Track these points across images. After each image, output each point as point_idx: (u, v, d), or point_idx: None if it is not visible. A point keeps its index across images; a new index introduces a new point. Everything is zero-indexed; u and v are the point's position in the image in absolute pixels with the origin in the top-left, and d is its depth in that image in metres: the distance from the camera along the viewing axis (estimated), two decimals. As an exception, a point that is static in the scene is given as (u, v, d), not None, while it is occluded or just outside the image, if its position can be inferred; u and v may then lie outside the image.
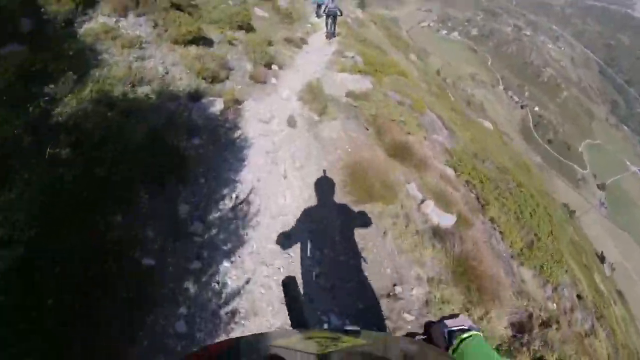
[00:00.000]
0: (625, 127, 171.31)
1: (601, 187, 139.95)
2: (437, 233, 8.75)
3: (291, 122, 10.86)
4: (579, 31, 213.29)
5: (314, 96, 12.09)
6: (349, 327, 1.72)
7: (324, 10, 21.02)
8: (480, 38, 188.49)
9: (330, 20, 21.28)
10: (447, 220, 9.30)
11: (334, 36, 21.96)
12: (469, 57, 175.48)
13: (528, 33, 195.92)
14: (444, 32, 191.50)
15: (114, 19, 10.58)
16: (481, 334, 1.85)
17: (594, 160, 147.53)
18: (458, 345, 1.81)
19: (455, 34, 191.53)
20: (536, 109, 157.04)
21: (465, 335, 1.83)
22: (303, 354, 1.26)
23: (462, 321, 1.94)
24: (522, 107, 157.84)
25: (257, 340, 1.74)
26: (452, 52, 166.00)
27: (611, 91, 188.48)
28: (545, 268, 10.51)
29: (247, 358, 1.48)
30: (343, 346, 1.42)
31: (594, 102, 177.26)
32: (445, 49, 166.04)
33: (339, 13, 21.33)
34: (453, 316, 1.98)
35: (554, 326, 8.26)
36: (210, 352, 1.57)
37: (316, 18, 24.86)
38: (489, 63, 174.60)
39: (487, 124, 32.55)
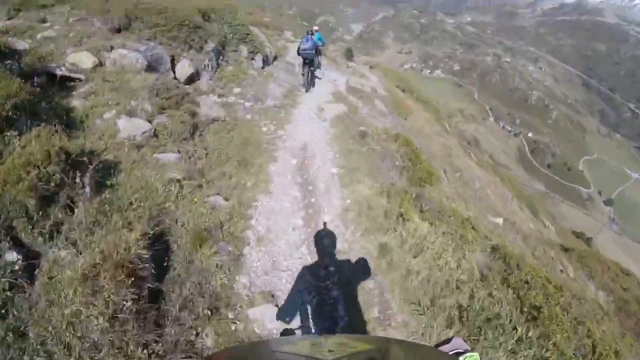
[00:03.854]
0: (618, 135, 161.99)
1: (608, 202, 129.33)
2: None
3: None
4: (555, 48, 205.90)
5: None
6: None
7: (298, 52, 15.20)
8: (463, 72, 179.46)
9: (306, 69, 15.58)
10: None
11: (312, 86, 16.49)
12: (455, 92, 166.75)
13: (508, 59, 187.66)
14: (427, 71, 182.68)
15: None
16: (477, 354, 1.72)
17: (595, 176, 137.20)
18: None
19: (438, 71, 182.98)
20: (530, 134, 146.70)
21: (468, 355, 1.72)
22: None
23: (460, 344, 1.86)
24: (515, 135, 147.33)
25: (264, 346, 1.70)
26: (438, 90, 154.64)
27: (597, 101, 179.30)
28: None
29: None
30: (351, 351, 1.34)
31: (583, 116, 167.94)
32: (431, 88, 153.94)
33: (315, 59, 16.07)
34: (448, 340, 1.88)
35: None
36: (222, 357, 1.55)
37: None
38: (476, 95, 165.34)
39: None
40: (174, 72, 10.99)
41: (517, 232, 14.38)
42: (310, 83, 16.29)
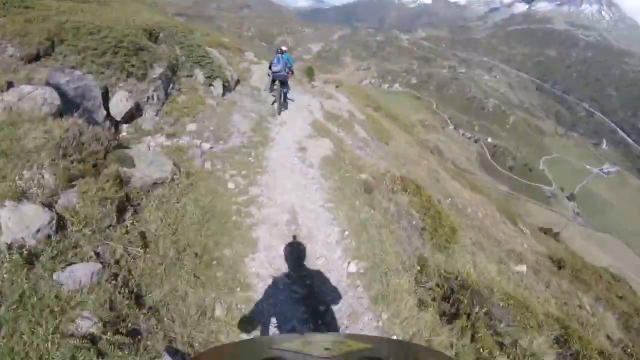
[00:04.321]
0: (575, 134, 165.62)
1: (571, 197, 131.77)
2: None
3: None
4: (508, 57, 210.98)
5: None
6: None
7: (269, 74, 13.75)
8: (420, 85, 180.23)
9: (278, 90, 13.58)
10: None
11: (285, 109, 14.49)
12: (414, 104, 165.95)
13: (463, 70, 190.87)
14: (386, 85, 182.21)
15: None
16: None
17: (556, 174, 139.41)
18: None
19: (397, 85, 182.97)
20: (489, 139, 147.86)
21: None
22: (307, 357, 1.18)
23: None
24: (475, 141, 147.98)
25: (261, 343, 1.70)
26: (397, 103, 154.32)
27: (552, 104, 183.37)
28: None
29: None
30: (347, 350, 1.27)
31: (540, 119, 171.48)
32: (390, 102, 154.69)
33: (288, 76, 13.71)
34: None
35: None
36: (216, 354, 1.49)
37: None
38: (434, 106, 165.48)
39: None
40: (107, 110, 8.14)
41: (530, 267, 12.86)
42: (282, 105, 14.26)
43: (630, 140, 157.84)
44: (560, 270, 16.14)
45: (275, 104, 14.06)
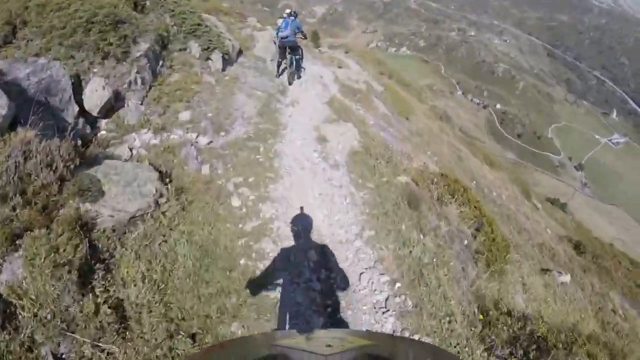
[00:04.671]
0: (585, 102, 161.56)
1: (579, 167, 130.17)
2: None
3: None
4: (519, 20, 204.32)
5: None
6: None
7: (275, 42, 12.66)
8: (428, 48, 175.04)
9: (290, 57, 12.15)
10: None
11: (298, 78, 13.10)
12: (422, 68, 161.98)
13: (473, 33, 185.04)
14: (393, 49, 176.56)
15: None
16: None
17: (565, 143, 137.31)
18: None
19: (404, 49, 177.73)
20: (498, 106, 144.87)
21: None
22: (310, 354, 1.19)
23: None
24: (484, 107, 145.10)
25: (263, 339, 1.72)
26: (405, 67, 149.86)
27: (563, 70, 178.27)
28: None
29: (253, 357, 1.33)
30: (349, 346, 1.30)
31: (550, 85, 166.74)
32: (398, 66, 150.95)
33: (298, 42, 12.30)
34: None
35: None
36: (215, 351, 1.48)
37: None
38: (443, 71, 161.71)
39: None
40: (80, 104, 6.49)
41: (562, 265, 12.75)
42: (295, 74, 12.99)
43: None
44: (581, 255, 16.00)
45: (285, 75, 12.78)
